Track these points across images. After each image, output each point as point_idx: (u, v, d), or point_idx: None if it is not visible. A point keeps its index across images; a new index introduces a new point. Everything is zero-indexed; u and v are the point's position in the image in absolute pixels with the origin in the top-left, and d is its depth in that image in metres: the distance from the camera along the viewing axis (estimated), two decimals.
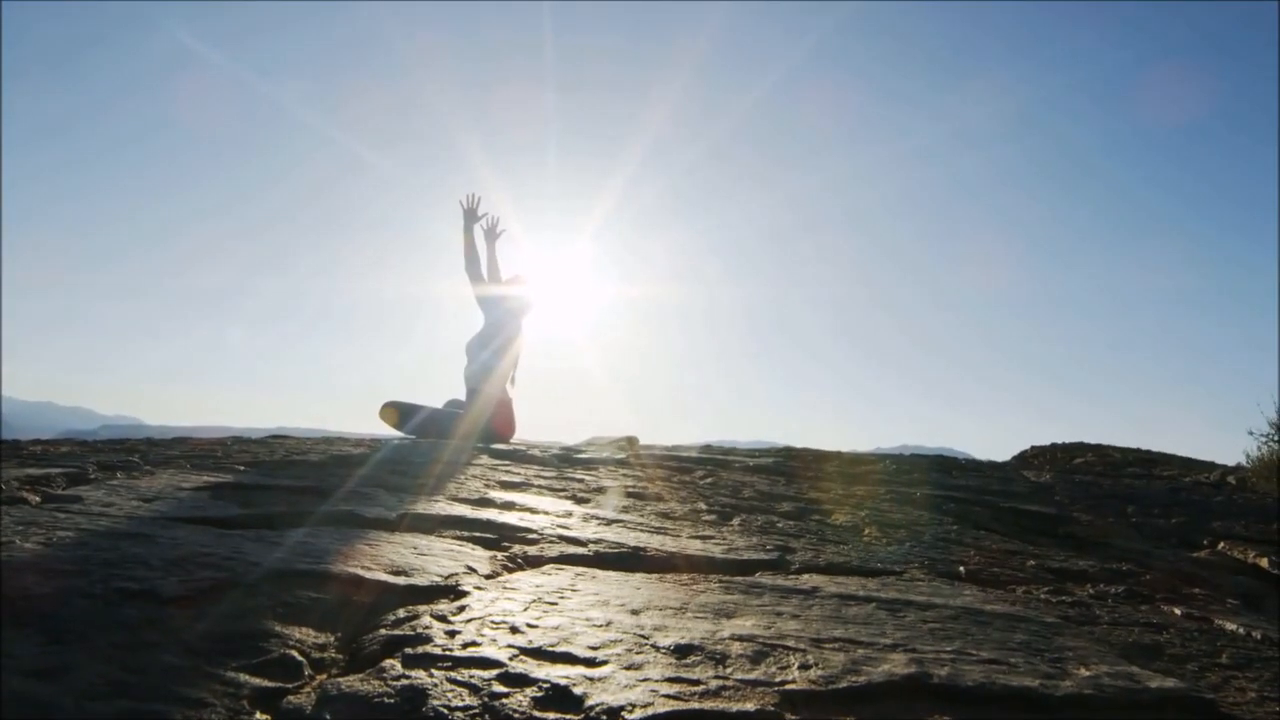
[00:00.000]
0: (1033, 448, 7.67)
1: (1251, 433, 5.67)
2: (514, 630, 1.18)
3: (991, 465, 5.45)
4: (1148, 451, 6.85)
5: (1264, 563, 2.82)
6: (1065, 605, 1.78)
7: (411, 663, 1.03)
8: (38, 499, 1.85)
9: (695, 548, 1.98)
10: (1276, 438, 5.30)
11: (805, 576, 1.79)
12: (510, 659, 1.07)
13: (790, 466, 4.60)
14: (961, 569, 2.12)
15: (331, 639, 1.17)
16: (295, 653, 1.08)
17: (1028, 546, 2.86)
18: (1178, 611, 1.81)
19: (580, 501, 2.68)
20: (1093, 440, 7.48)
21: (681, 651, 1.17)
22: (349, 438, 4.92)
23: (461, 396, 5.56)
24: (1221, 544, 3.16)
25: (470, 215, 5.26)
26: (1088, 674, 1.24)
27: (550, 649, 1.12)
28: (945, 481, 4.31)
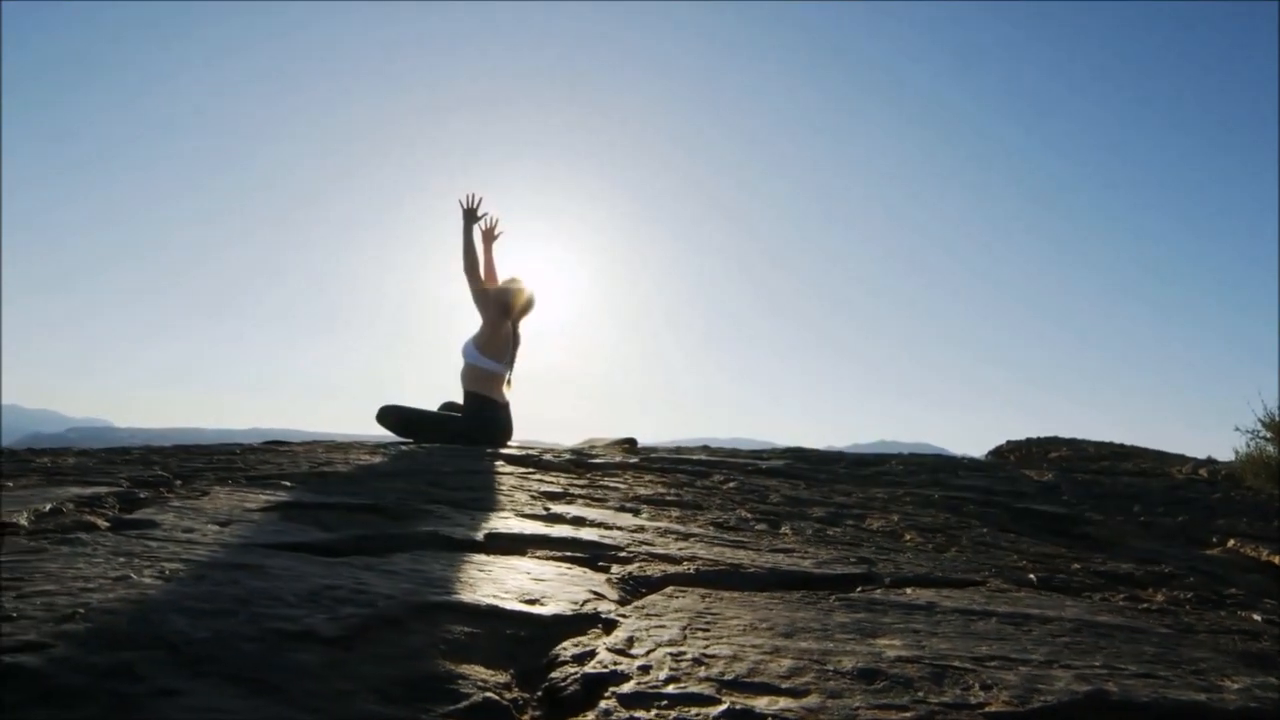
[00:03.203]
0: (1009, 442, 7.91)
1: (1239, 429, 5.93)
2: (698, 662, 1.16)
3: (992, 464, 5.61)
4: (1121, 445, 7.14)
5: (1277, 560, 2.96)
6: (1153, 613, 1.84)
7: (630, 702, 1.00)
8: (105, 524, 1.74)
9: (786, 563, 1.98)
10: (1267, 435, 5.57)
11: (908, 591, 1.80)
12: (719, 693, 1.05)
13: (801, 469, 4.65)
14: (1032, 576, 2.17)
15: (507, 677, 1.13)
16: (493, 695, 1.04)
17: (1060, 549, 2.95)
18: (1257, 617, 1.89)
19: (634, 512, 2.66)
20: (1066, 434, 7.76)
21: (866, 676, 1.16)
22: (339, 440, 4.78)
23: (458, 399, 5.48)
24: (1231, 542, 3.31)
25: (470, 215, 5.17)
26: (1238, 686, 1.28)
27: (747, 680, 1.10)
28: (953, 482, 4.41)
